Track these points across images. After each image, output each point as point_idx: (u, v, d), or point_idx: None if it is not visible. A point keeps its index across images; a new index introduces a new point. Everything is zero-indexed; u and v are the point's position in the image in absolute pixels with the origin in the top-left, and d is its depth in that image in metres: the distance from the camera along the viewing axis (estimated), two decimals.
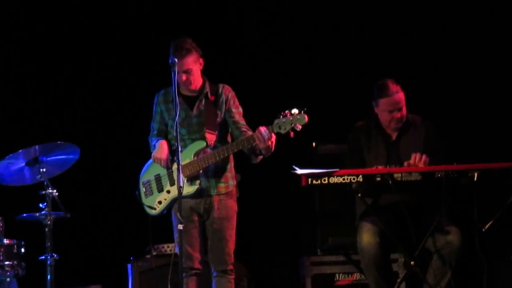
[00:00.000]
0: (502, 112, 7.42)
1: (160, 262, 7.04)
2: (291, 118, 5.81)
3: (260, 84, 7.82)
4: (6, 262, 6.47)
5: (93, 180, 8.04)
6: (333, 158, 6.88)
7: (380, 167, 6.03)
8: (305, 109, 5.80)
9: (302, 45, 7.94)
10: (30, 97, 8.00)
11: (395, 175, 5.91)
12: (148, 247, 7.15)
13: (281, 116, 5.84)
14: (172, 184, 6.11)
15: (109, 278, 7.61)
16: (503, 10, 7.52)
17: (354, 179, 5.93)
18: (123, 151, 7.91)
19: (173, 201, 6.09)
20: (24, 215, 6.45)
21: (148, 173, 6.25)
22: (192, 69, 6.09)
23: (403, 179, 5.91)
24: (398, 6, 7.73)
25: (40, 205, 6.35)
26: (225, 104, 6.17)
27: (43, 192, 6.33)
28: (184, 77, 6.07)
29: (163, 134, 6.26)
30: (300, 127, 5.81)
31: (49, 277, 6.33)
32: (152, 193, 6.21)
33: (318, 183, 5.95)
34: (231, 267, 6.12)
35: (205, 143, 6.10)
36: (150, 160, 6.23)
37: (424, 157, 6.03)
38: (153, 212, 6.21)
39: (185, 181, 5.99)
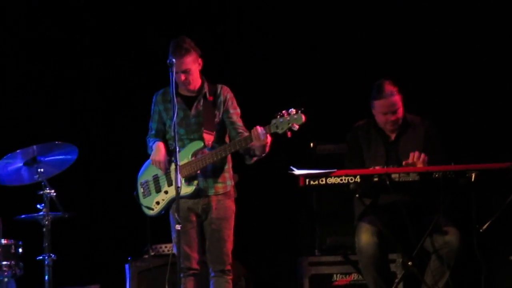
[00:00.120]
0: (500, 112, 7.41)
1: (158, 262, 7.03)
2: (288, 118, 5.81)
3: (258, 84, 7.82)
4: (4, 262, 6.49)
5: (91, 180, 8.04)
6: (332, 158, 6.88)
7: (378, 167, 6.03)
8: (302, 109, 5.79)
9: (301, 45, 7.93)
10: (28, 97, 7.99)
11: (393, 176, 5.90)
12: (146, 247, 7.15)
13: (278, 116, 5.83)
14: (170, 184, 6.11)
15: (107, 278, 7.61)
16: (503, 10, 7.51)
17: (351, 179, 5.92)
18: (121, 151, 7.92)
19: (171, 202, 6.08)
20: (22, 215, 6.46)
21: (146, 173, 6.25)
22: (190, 69, 6.08)
23: (400, 180, 5.91)
24: (398, 6, 7.72)
25: (38, 205, 6.35)
26: (223, 105, 6.17)
27: (41, 192, 6.34)
28: (183, 77, 6.07)
29: (162, 134, 6.26)
30: (298, 126, 5.80)
31: (47, 277, 6.34)
32: (150, 194, 6.21)
33: (316, 184, 5.95)
34: (229, 267, 6.12)
35: (203, 143, 6.09)
36: (149, 161, 6.23)
37: (423, 155, 6.02)
38: (151, 212, 6.21)
39: (183, 181, 5.98)
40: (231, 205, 6.17)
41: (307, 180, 5.94)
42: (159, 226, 6.44)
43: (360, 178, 5.91)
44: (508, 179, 5.86)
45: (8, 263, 6.49)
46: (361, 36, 7.83)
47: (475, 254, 5.93)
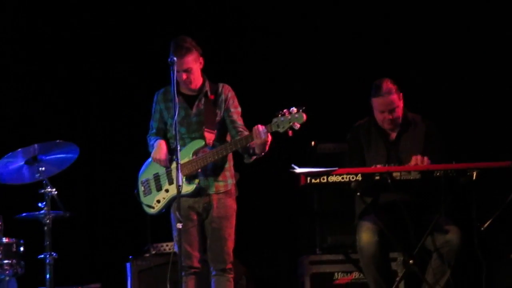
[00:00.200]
0: (501, 111, 7.41)
1: (159, 261, 7.03)
2: (289, 117, 5.80)
3: (259, 83, 7.82)
4: (5, 261, 6.48)
5: (92, 179, 8.04)
6: (333, 157, 6.89)
7: (379, 166, 6.03)
8: (304, 107, 5.79)
9: (301, 44, 7.93)
10: (29, 96, 7.99)
11: (394, 174, 5.91)
12: (147, 246, 7.15)
13: (279, 115, 5.83)
14: (170, 183, 6.11)
15: (108, 277, 7.62)
16: (503, 10, 7.51)
17: (353, 178, 5.93)
18: (122, 150, 7.92)
19: (172, 200, 6.08)
20: (23, 214, 6.46)
21: (147, 172, 6.25)
22: (192, 68, 6.08)
23: (402, 178, 5.92)
24: (398, 5, 7.73)
25: (39, 204, 6.36)
26: (224, 103, 6.17)
27: (42, 191, 6.34)
28: (184, 76, 6.07)
29: (162, 132, 6.26)
30: (299, 125, 5.80)
31: (48, 275, 6.33)
32: (151, 192, 6.21)
33: (317, 182, 5.95)
34: (230, 266, 6.11)
35: (204, 142, 6.09)
36: (149, 159, 6.23)
37: (425, 159, 6.02)
38: (151, 211, 6.21)
39: (184, 180, 5.98)
40: (232, 204, 6.17)
41: (308, 178, 5.94)
42: (160, 224, 6.43)
43: (361, 176, 5.92)
44: (509, 178, 5.86)
45: (9, 261, 6.49)
46: (362, 35, 7.83)
47: (476, 253, 5.94)
